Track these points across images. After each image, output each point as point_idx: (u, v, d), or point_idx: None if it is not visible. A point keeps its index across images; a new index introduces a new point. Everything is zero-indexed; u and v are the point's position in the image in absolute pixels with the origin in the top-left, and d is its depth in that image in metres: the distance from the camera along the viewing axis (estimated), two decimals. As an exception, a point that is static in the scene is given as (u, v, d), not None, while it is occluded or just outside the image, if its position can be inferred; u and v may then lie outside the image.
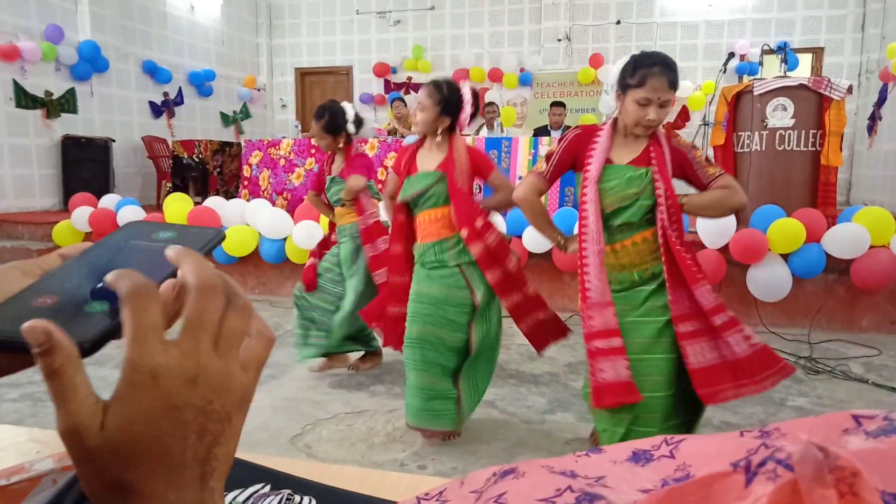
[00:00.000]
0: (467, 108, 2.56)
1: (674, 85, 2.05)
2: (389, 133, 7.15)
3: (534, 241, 4.57)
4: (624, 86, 2.09)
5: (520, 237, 4.65)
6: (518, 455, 2.53)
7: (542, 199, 2.33)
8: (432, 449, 2.55)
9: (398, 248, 2.70)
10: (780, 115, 4.70)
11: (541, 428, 2.77)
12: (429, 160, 2.61)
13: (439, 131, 2.56)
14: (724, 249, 4.18)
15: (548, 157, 2.25)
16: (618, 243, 2.15)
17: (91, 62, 7.21)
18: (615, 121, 2.18)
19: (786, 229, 4.01)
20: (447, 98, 2.54)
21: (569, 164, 2.23)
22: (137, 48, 8.33)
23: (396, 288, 2.70)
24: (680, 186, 2.14)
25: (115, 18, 7.80)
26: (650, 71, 2.02)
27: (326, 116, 3.22)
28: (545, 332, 2.61)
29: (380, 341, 3.09)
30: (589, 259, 2.07)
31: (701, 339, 2.04)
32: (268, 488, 0.66)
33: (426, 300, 2.55)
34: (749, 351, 2.01)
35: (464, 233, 2.48)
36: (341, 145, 3.32)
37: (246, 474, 0.67)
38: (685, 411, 2.17)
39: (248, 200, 5.58)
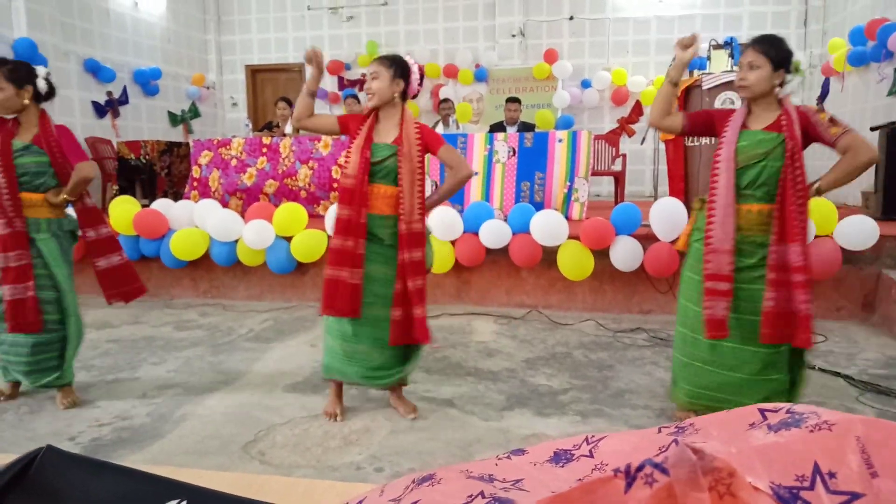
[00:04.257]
0: (416, 72, 2.69)
1: (763, 49, 2.39)
2: (344, 131, 7.06)
3: (491, 237, 4.58)
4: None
5: (476, 234, 4.65)
6: (476, 453, 2.52)
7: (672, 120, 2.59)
8: (389, 451, 2.52)
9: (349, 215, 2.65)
10: (729, 108, 4.80)
11: (498, 425, 2.75)
12: (384, 133, 2.69)
13: (395, 97, 2.66)
14: (677, 241, 4.24)
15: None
16: (740, 206, 2.42)
17: (28, 60, 6.91)
18: (748, 101, 2.51)
19: (734, 220, 4.10)
20: (398, 62, 2.68)
21: (707, 119, 2.60)
22: (78, 46, 8.03)
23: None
24: (813, 171, 2.41)
25: (54, 15, 7.50)
26: (747, 43, 2.46)
27: (10, 64, 2.79)
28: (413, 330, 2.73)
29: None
30: (717, 211, 2.40)
31: (783, 288, 2.38)
32: (183, 505, 0.61)
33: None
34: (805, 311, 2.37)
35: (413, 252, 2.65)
36: (27, 102, 2.82)
37: (160, 490, 0.63)
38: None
39: (197, 202, 5.43)
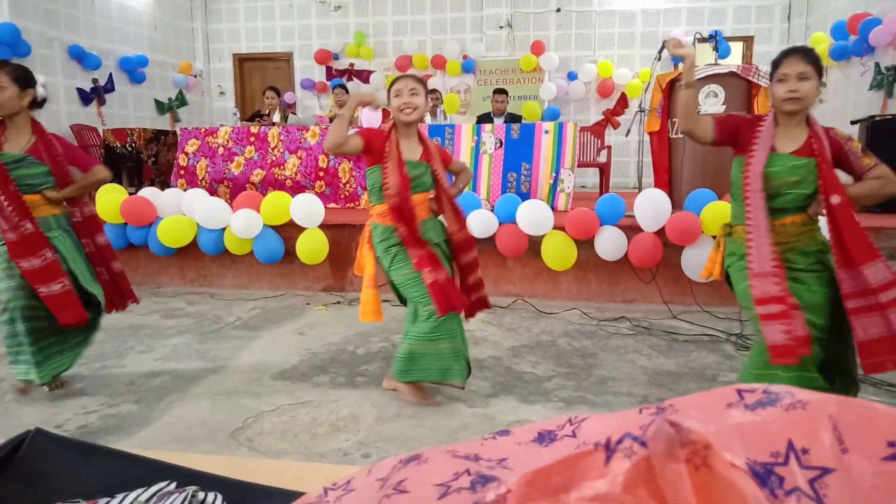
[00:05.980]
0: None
1: (810, 60, 2.21)
2: (331, 120, 7.04)
3: (477, 227, 4.59)
4: (770, 78, 2.31)
5: (463, 224, 4.66)
6: (463, 439, 2.54)
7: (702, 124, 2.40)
8: (376, 437, 2.54)
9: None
10: (712, 101, 4.84)
11: (484, 412, 2.78)
12: (409, 150, 2.75)
13: (423, 118, 2.75)
14: (661, 232, 4.29)
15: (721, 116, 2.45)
16: (773, 221, 2.27)
17: (10, 47, 6.81)
18: (775, 114, 2.31)
19: (717, 212, 4.14)
20: (425, 84, 2.75)
21: (734, 130, 2.35)
22: (63, 33, 7.92)
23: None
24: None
25: (38, 2, 7.39)
26: (784, 53, 2.25)
27: (14, 65, 2.74)
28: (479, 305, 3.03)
29: None
30: (754, 235, 2.21)
31: (869, 314, 2.19)
32: (173, 486, 0.62)
33: None
34: None
35: (463, 232, 2.89)
36: (24, 105, 2.73)
37: (148, 472, 0.63)
38: (839, 386, 2.38)
39: (184, 190, 5.39)
